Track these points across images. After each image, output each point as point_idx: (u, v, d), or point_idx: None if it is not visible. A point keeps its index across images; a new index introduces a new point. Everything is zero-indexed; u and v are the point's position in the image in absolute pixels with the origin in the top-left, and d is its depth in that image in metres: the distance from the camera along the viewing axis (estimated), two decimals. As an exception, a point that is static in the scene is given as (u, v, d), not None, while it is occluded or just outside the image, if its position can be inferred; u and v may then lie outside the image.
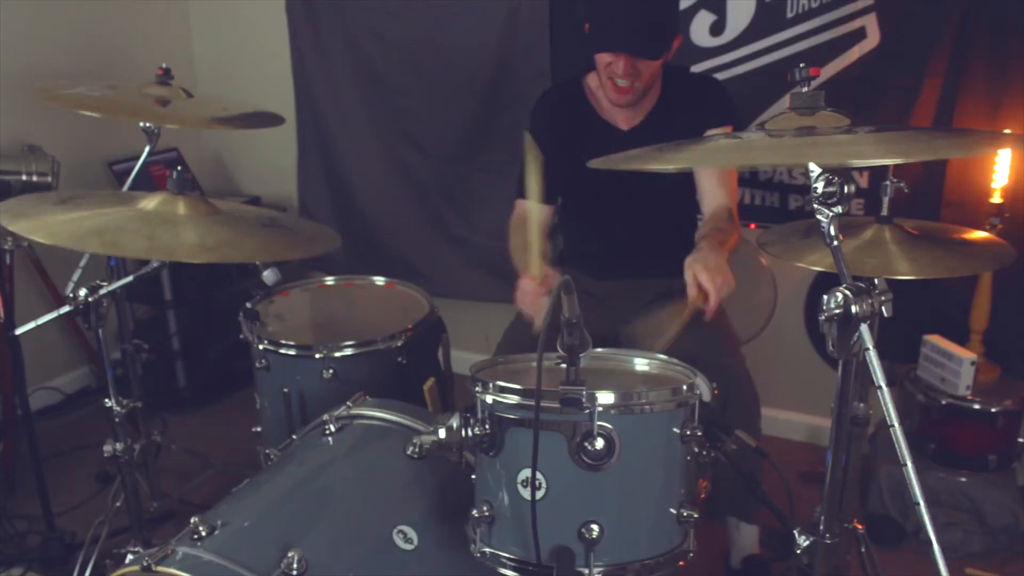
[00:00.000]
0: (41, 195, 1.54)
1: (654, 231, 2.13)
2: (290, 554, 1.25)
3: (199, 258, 1.38)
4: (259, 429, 2.07)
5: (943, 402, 2.21)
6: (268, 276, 1.92)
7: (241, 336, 2.02)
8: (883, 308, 1.13)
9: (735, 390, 1.89)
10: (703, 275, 1.69)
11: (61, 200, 1.51)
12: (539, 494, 1.23)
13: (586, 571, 1.23)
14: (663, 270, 2.14)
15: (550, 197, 2.12)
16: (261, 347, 1.94)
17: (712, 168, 2.03)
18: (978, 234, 1.85)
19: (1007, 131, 2.20)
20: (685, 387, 1.29)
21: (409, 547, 1.40)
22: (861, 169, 2.38)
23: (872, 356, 1.08)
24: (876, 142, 1.19)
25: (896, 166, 2.19)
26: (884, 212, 1.76)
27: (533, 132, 2.16)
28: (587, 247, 2.23)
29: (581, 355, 1.22)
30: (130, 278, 1.66)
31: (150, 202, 1.49)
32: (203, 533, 1.28)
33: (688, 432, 1.28)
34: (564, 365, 1.22)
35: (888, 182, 1.78)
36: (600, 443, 1.20)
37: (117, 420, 1.78)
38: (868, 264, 1.62)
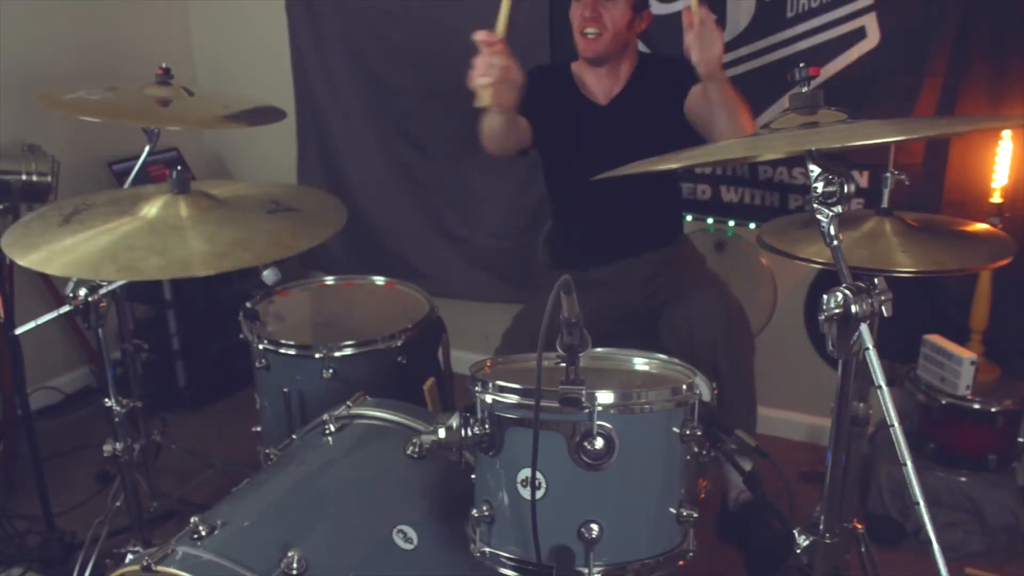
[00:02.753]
0: (43, 214, 1.52)
1: (641, 204, 2.18)
2: (290, 554, 1.24)
3: (213, 268, 1.36)
4: (259, 429, 2.06)
5: (943, 402, 2.21)
6: (268, 276, 1.93)
7: (241, 336, 2.01)
8: (883, 308, 1.13)
9: (733, 384, 1.94)
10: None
11: (64, 217, 1.49)
12: (539, 494, 1.22)
13: (586, 571, 1.22)
14: (655, 241, 2.20)
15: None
16: (261, 347, 1.94)
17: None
18: (979, 226, 1.85)
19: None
20: (685, 386, 1.28)
21: (409, 547, 1.39)
22: (861, 168, 2.37)
23: (872, 356, 1.08)
24: (877, 124, 1.19)
25: (896, 165, 2.18)
26: (884, 204, 1.75)
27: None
28: (576, 228, 2.27)
29: (580, 354, 1.21)
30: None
31: (152, 207, 1.47)
32: (203, 533, 1.28)
33: (688, 432, 1.27)
34: (563, 364, 1.21)
35: (888, 174, 1.78)
36: (600, 443, 1.20)
37: (117, 420, 1.78)
38: (867, 256, 1.62)
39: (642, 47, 2.39)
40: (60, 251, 1.38)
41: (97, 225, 1.44)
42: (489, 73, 1.83)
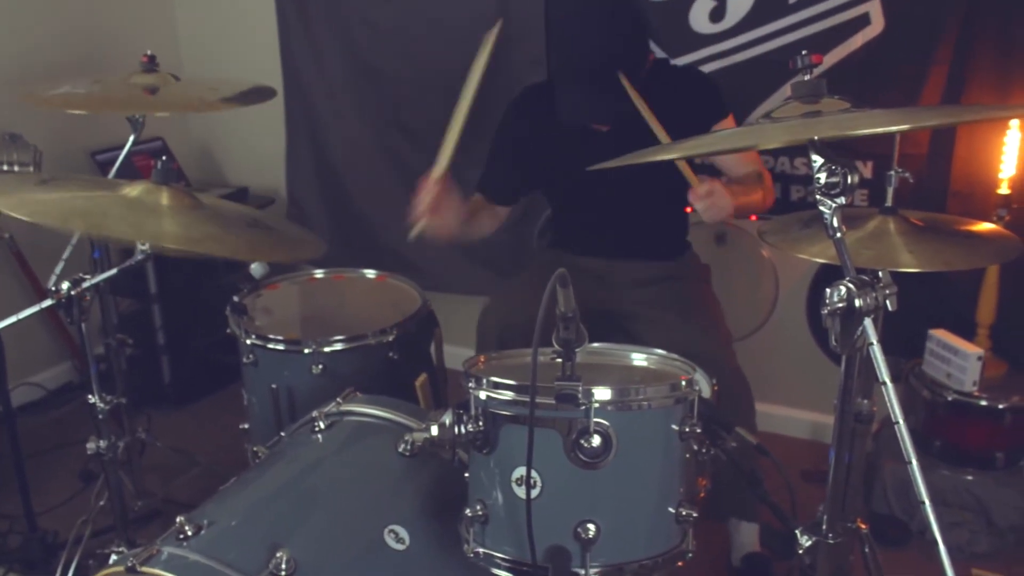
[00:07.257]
0: (22, 175, 1.53)
1: (646, 216, 2.13)
2: (278, 554, 1.23)
3: (184, 245, 1.39)
4: (246, 426, 2.04)
5: (949, 398, 2.18)
6: (256, 269, 1.91)
7: (228, 330, 2.00)
8: (887, 302, 1.11)
9: (727, 386, 1.87)
10: (709, 184, 1.84)
11: (42, 181, 1.51)
12: (534, 493, 1.22)
13: (582, 572, 1.22)
14: (656, 254, 2.13)
15: (511, 197, 2.24)
16: (248, 342, 1.92)
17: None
18: (985, 226, 1.83)
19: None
20: (684, 382, 1.27)
21: (401, 547, 1.38)
22: (865, 159, 2.34)
23: (876, 351, 1.07)
24: (881, 113, 1.19)
25: (901, 155, 2.16)
26: (888, 203, 1.73)
27: (512, 124, 2.14)
28: (580, 230, 2.22)
29: (577, 350, 1.20)
30: (114, 271, 1.64)
31: (133, 190, 1.49)
32: (189, 533, 1.27)
33: (687, 429, 1.26)
34: (559, 360, 1.20)
35: (892, 172, 1.76)
36: (596, 440, 1.20)
37: (100, 417, 1.76)
38: (873, 257, 1.60)
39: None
40: (32, 201, 1.39)
41: (75, 191, 1.47)
42: (420, 207, 1.96)
